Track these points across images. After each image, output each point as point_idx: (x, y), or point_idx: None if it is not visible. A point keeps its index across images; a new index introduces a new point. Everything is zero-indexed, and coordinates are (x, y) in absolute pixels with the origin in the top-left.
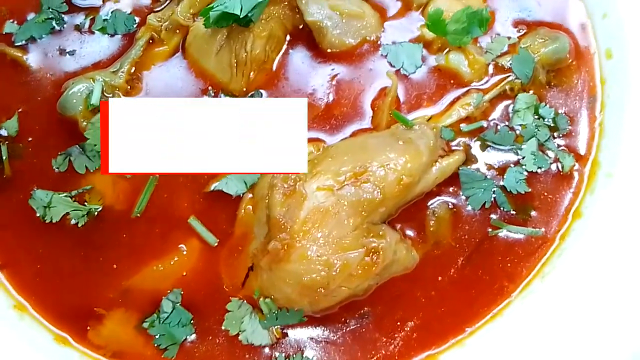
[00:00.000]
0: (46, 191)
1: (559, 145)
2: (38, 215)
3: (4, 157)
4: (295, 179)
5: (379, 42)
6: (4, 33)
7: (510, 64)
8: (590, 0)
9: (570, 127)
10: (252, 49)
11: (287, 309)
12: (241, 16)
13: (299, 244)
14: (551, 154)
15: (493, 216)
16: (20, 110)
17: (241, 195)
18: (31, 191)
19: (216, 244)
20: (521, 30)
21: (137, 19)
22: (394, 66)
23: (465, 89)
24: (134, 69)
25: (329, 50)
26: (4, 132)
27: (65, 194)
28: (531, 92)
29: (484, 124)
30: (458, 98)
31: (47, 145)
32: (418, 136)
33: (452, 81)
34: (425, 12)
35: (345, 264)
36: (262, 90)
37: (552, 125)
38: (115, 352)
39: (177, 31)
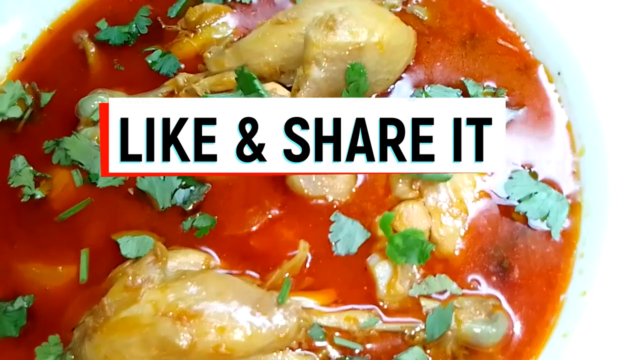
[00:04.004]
0: (25, 161)
1: None
2: (9, 176)
3: (24, 117)
4: (146, 280)
5: (334, 206)
6: (95, 26)
7: (430, 313)
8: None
9: None
10: None
11: None
12: None
13: (102, 335)
14: None
15: None
16: (57, 91)
17: (128, 258)
18: (17, 155)
19: (83, 283)
20: (476, 289)
21: (183, 66)
22: (332, 240)
23: (368, 306)
24: None
25: (289, 186)
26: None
27: (32, 170)
28: (429, 354)
29: (359, 349)
30: (354, 308)
31: (55, 127)
32: (277, 317)
33: (365, 288)
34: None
35: None
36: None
37: None
38: None
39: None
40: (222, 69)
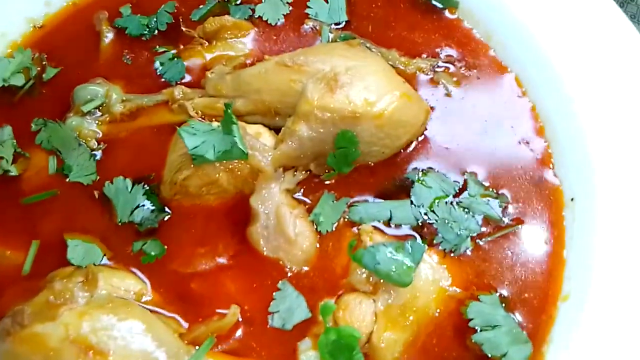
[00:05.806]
0: (11, 133)
1: None
2: None
3: (24, 88)
4: (69, 299)
5: (287, 273)
6: (119, 10)
7: None
8: None
9: None
10: (184, 178)
11: None
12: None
13: (13, 343)
14: None
15: None
16: (62, 68)
17: (74, 265)
18: (5, 124)
19: (26, 274)
20: None
21: (189, 78)
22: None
23: None
24: (135, 109)
25: (247, 237)
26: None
27: (14, 144)
28: None
29: None
30: None
31: (50, 106)
32: None
33: None
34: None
35: None
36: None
37: None
38: None
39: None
40: (219, 94)
